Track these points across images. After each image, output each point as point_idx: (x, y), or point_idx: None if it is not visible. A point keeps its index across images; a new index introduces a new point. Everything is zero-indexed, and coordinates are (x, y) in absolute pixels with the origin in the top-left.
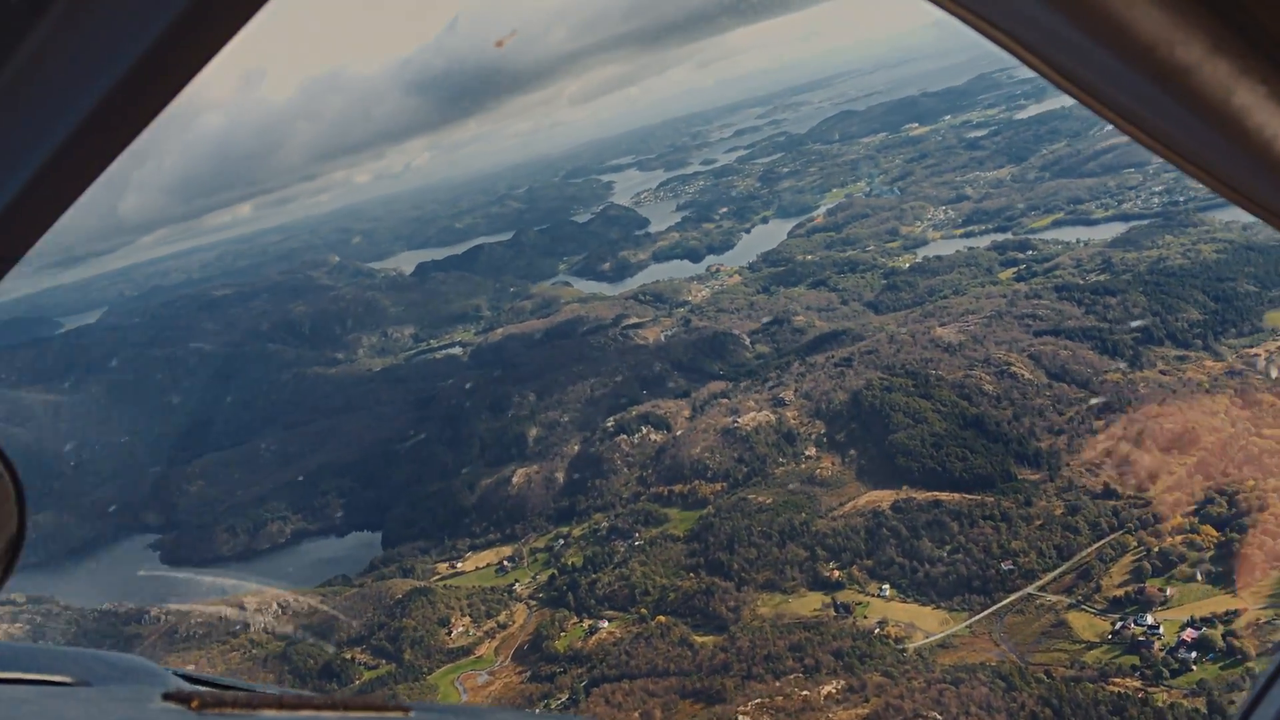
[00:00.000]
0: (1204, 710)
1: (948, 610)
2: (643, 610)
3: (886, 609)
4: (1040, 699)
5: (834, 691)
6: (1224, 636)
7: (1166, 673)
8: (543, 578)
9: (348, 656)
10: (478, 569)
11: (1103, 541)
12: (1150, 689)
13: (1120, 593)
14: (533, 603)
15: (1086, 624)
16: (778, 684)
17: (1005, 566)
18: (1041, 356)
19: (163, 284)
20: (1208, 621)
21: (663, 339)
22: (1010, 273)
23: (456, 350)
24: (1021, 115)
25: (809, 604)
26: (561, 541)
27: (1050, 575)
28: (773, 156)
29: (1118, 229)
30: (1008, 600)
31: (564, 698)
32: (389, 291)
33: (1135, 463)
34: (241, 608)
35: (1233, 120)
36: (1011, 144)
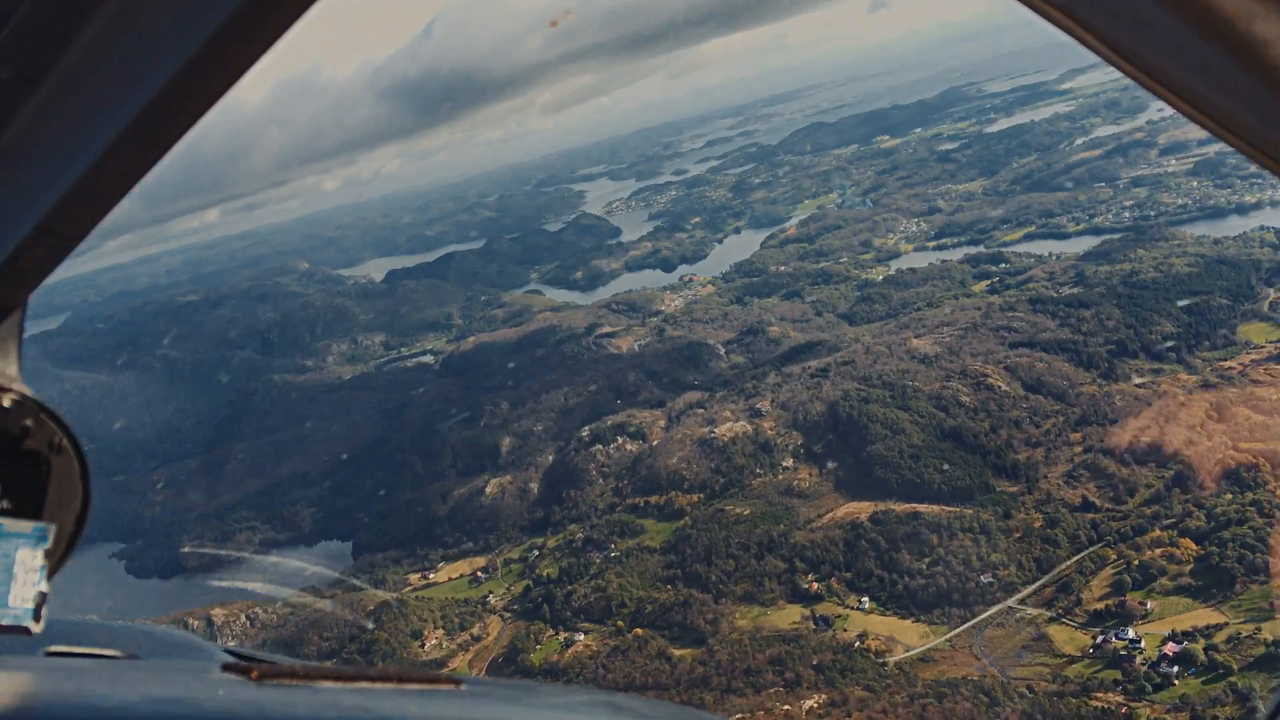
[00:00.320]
0: None
1: (928, 623)
2: (619, 623)
3: (866, 622)
4: (1024, 714)
5: (816, 706)
6: (1205, 651)
7: (1149, 687)
8: (517, 589)
9: None
10: (450, 580)
11: (1082, 554)
12: (1133, 704)
13: (1101, 606)
14: (507, 615)
15: (1068, 638)
16: (758, 698)
17: (985, 579)
18: (1018, 369)
19: (128, 289)
20: (1189, 635)
21: (636, 348)
22: (983, 285)
23: (428, 358)
24: (992, 129)
25: (788, 616)
26: (536, 552)
27: (1030, 588)
28: (744, 167)
29: (1090, 242)
30: (988, 613)
31: None
32: (359, 299)
33: (1113, 475)
34: (209, 620)
35: None
36: (983, 157)
